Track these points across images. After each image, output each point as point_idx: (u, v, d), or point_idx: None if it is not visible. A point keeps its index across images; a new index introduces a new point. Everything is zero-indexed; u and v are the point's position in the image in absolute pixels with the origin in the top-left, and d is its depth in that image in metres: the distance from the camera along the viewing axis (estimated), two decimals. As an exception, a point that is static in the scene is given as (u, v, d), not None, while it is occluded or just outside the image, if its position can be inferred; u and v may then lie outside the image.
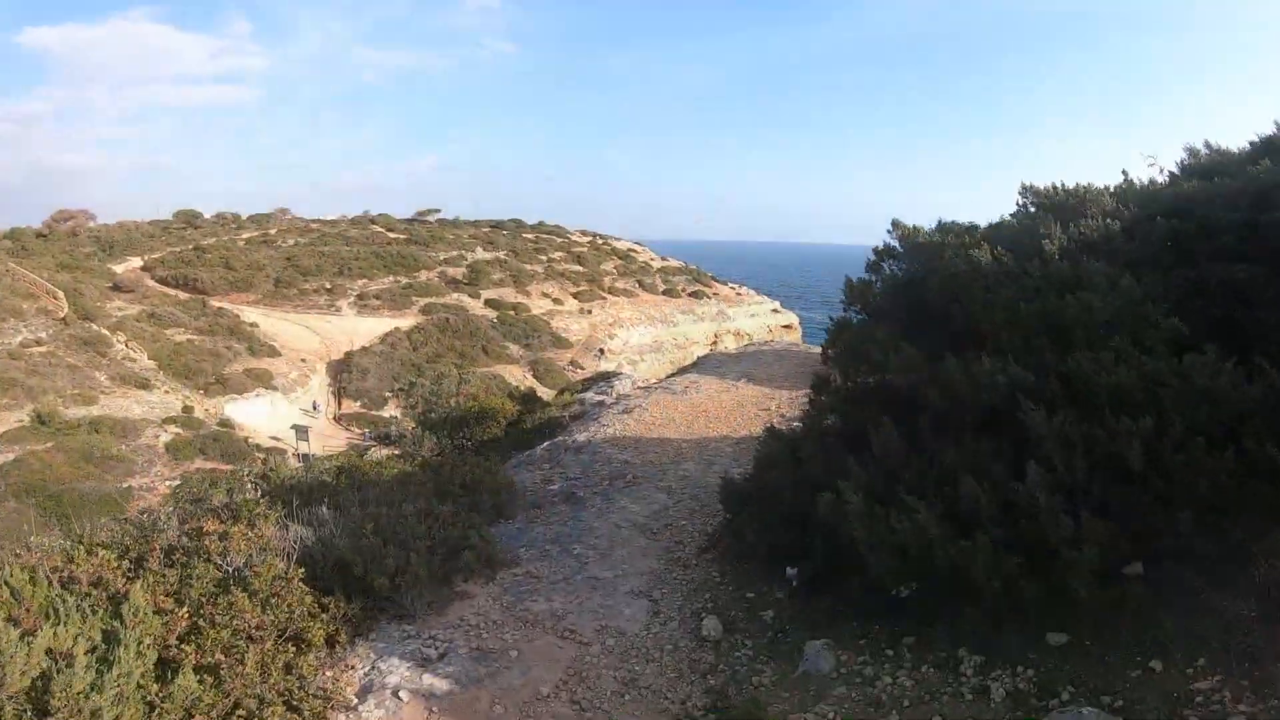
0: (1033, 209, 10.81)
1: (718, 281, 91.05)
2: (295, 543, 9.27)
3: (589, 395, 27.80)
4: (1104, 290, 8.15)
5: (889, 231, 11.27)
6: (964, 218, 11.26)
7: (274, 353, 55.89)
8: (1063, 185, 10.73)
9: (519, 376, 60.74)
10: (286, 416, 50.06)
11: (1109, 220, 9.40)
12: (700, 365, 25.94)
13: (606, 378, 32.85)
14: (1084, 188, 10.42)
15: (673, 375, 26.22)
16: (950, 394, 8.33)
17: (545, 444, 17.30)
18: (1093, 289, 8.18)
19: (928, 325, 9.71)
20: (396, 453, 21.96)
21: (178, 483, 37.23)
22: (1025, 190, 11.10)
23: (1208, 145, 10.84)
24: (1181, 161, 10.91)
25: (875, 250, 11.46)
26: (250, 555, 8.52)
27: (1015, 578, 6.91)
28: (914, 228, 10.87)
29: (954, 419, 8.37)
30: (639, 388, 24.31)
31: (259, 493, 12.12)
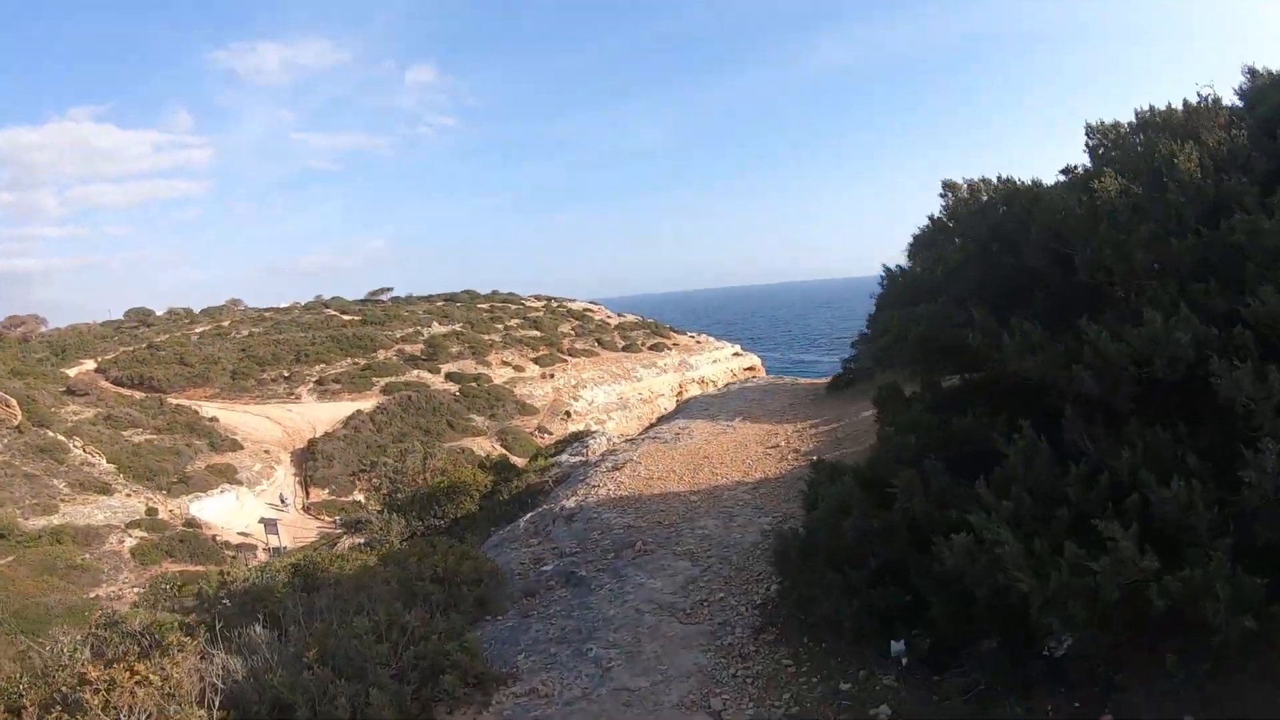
0: (1109, 152, 8.27)
1: (676, 332, 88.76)
2: (220, 678, 6.55)
3: (564, 458, 25.09)
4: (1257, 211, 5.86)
5: (941, 195, 8.73)
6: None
7: (236, 446, 52.96)
8: (1150, 108, 8.23)
9: (487, 448, 58.20)
10: (253, 511, 47.29)
11: (1235, 132, 7.00)
12: (684, 410, 23.69)
13: (580, 438, 29.68)
14: (1187, 103, 7.92)
15: (657, 425, 23.48)
16: (1106, 373, 5.82)
17: (528, 516, 14.29)
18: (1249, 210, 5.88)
19: (1018, 295, 7.32)
20: (363, 540, 19.63)
21: (145, 590, 34.99)
22: (1092, 131, 8.37)
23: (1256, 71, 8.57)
24: (1240, 86, 8.61)
25: (924, 228, 9.10)
26: (152, 712, 5.84)
27: (1264, 604, 4.57)
28: (979, 180, 8.38)
29: (1107, 406, 5.94)
30: (625, 441, 21.30)
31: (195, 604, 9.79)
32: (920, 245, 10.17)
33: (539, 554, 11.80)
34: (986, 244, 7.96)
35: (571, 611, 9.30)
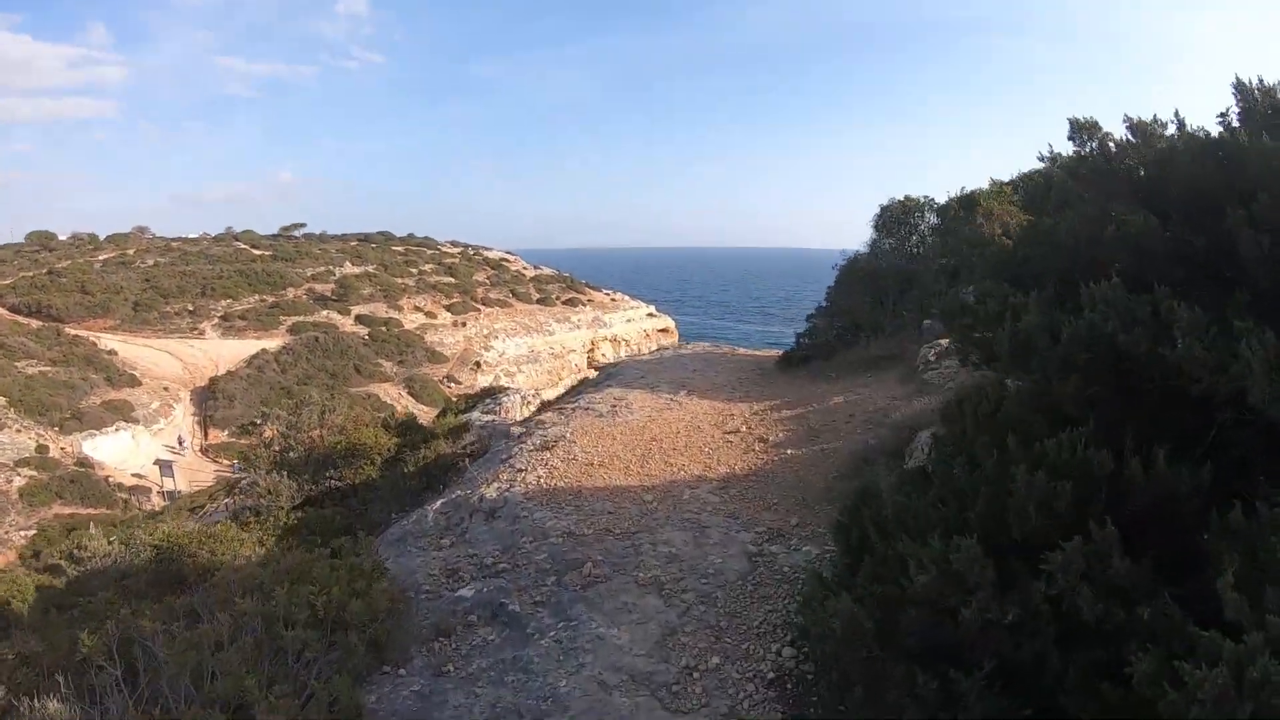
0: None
1: (591, 288, 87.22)
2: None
3: (475, 415, 23.27)
4: None
5: (1072, 138, 6.19)
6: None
7: (134, 382, 50.45)
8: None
9: (394, 395, 56.80)
10: (150, 451, 45.72)
11: None
12: (615, 377, 20.65)
13: (492, 394, 28.36)
14: None
15: (585, 391, 20.41)
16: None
17: (439, 504, 11.40)
18: None
19: (1211, 287, 5.03)
20: (249, 505, 17.40)
21: (34, 532, 33.81)
22: (1241, 88, 6.07)
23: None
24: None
25: (1047, 171, 6.56)
26: None
27: None
28: (1149, 121, 5.93)
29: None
30: (552, 411, 17.60)
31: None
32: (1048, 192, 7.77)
33: (453, 563, 9.24)
34: (1169, 210, 5.46)
35: (504, 675, 6.62)
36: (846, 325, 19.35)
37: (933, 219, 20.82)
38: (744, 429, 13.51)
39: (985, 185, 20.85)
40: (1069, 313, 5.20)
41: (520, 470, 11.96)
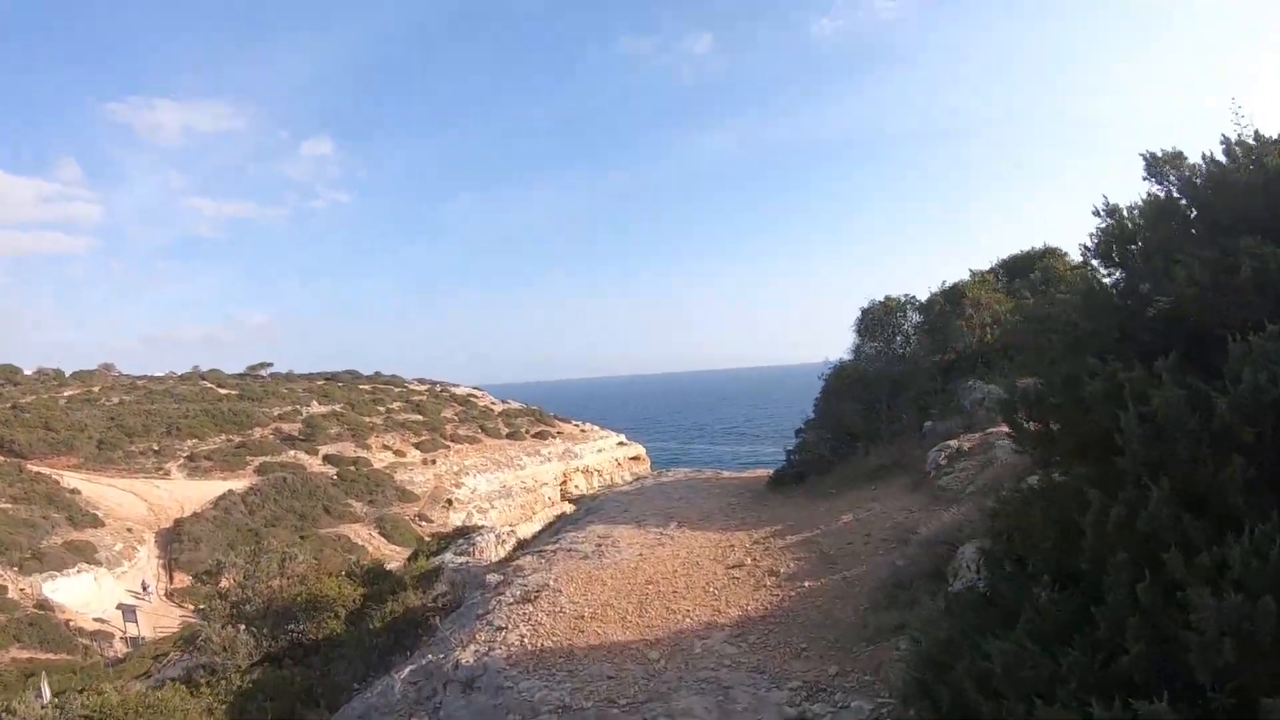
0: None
1: (560, 420, 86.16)
2: None
3: (448, 558, 22.48)
4: None
5: (1150, 176, 5.22)
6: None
7: (97, 522, 48.50)
8: None
9: (365, 535, 55.32)
10: (112, 594, 43.53)
11: None
12: (596, 512, 18.64)
13: (465, 534, 26.93)
14: None
15: (565, 529, 18.43)
16: None
17: (408, 670, 9.75)
18: None
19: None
20: (203, 662, 15.84)
21: None
22: None
23: None
24: None
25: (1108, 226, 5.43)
26: None
27: None
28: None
29: None
30: (529, 554, 15.52)
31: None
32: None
33: (424, 758, 7.83)
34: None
35: None
36: (840, 436, 18.15)
37: (915, 317, 19.83)
38: (749, 561, 11.98)
39: (966, 277, 20.32)
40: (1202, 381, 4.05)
41: (500, 629, 10.26)
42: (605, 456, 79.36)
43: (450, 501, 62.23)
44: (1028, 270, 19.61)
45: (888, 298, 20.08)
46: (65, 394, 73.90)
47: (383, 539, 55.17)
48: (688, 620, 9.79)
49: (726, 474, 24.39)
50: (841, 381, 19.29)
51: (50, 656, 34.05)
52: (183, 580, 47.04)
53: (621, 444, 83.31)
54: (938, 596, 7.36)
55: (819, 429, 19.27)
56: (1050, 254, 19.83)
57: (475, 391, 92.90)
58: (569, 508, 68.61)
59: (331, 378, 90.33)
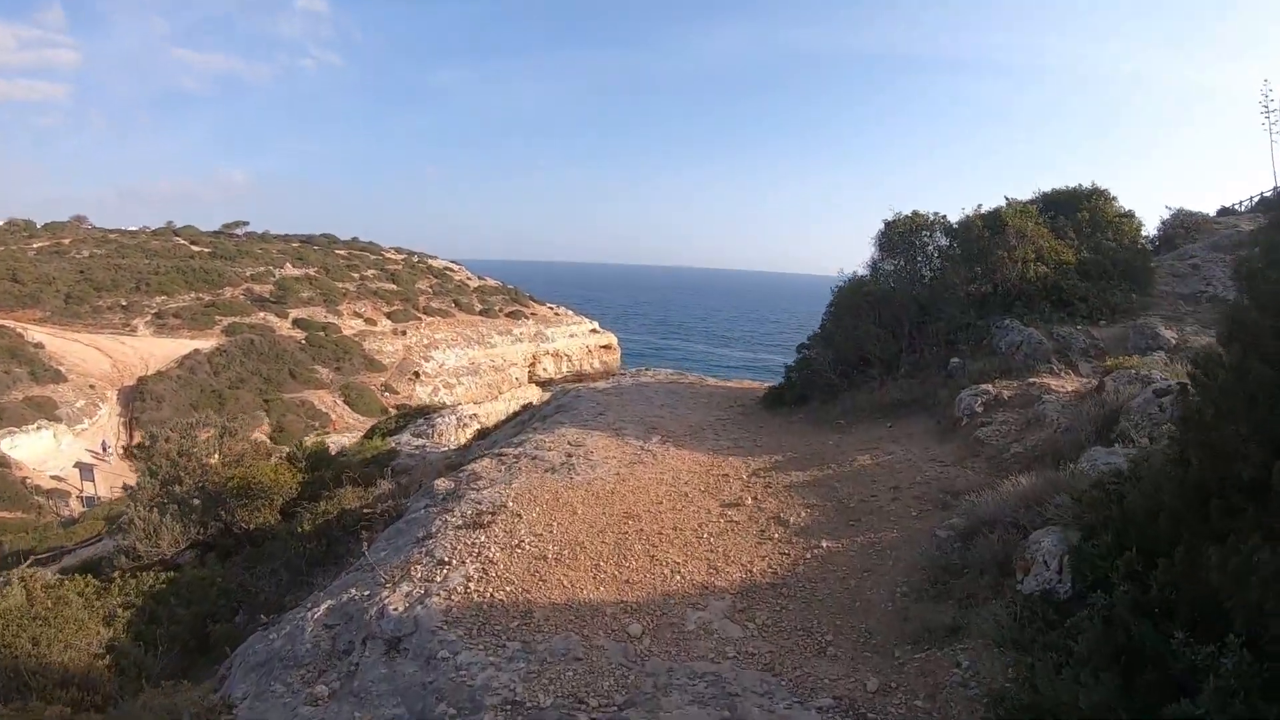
0: None
1: (535, 302, 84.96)
2: None
3: (405, 439, 21.91)
4: None
5: None
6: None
7: (59, 378, 47.86)
8: None
9: (329, 402, 54.92)
10: (71, 452, 43.32)
11: None
12: (569, 410, 16.11)
13: (426, 413, 26.71)
14: None
15: (530, 423, 16.39)
16: None
17: (325, 607, 7.67)
18: None
19: None
20: (126, 545, 14.45)
21: None
22: None
23: None
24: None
25: None
26: None
27: None
28: None
29: None
30: (488, 457, 12.69)
31: None
32: None
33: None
34: None
35: None
36: (850, 359, 15.94)
37: (941, 240, 17.46)
38: (749, 501, 9.97)
39: (1001, 204, 17.44)
40: None
41: (442, 562, 8.22)
42: (576, 343, 78.80)
43: (417, 374, 61.69)
44: (1072, 208, 17.34)
45: (915, 212, 17.91)
46: (35, 246, 72.25)
47: (347, 407, 54.71)
48: (677, 578, 7.89)
49: (712, 381, 21.85)
50: (858, 297, 16.64)
51: (4, 514, 33.80)
52: (142, 438, 45.88)
53: (594, 331, 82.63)
54: (1002, 597, 6.23)
55: (825, 348, 16.80)
56: (1098, 195, 17.69)
57: (452, 265, 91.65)
58: (536, 391, 68.68)
59: (307, 240, 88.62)
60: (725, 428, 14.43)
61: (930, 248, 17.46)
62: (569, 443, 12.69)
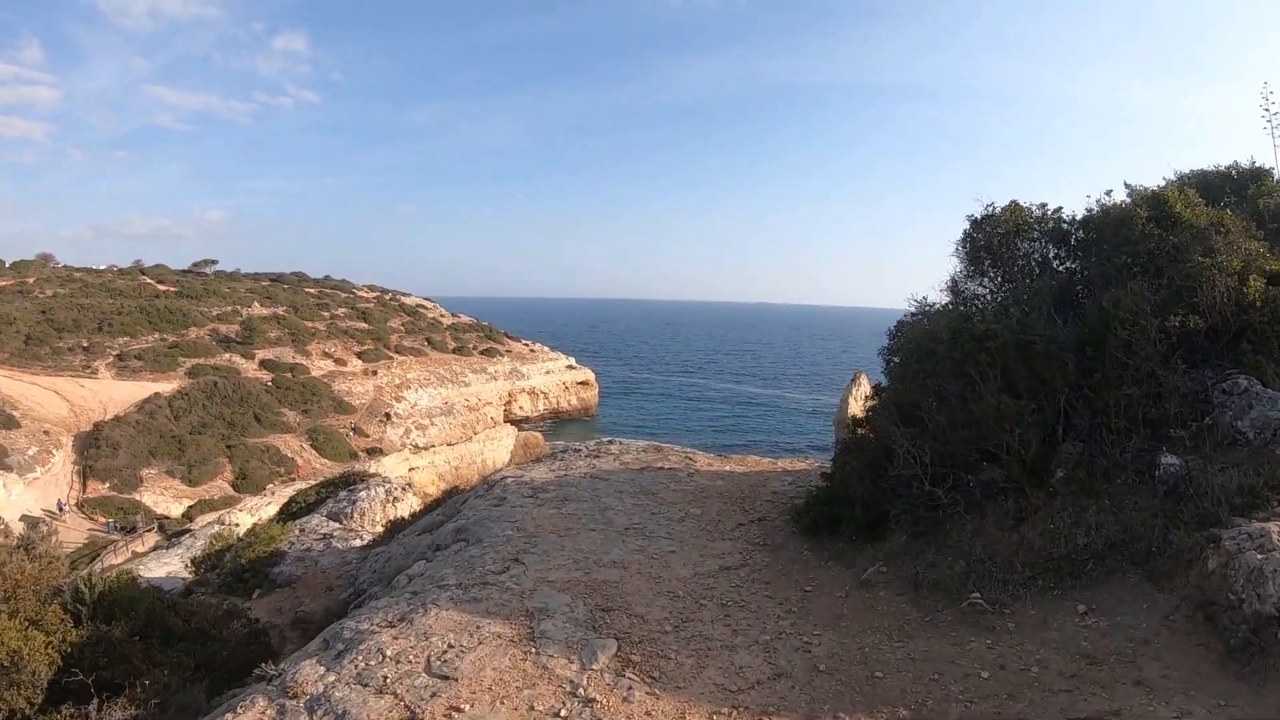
0: None
1: (510, 338, 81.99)
2: None
3: (313, 524, 18.16)
4: None
5: None
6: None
7: (12, 423, 44.50)
8: None
9: (296, 447, 51.49)
10: (21, 503, 39.78)
11: None
12: (467, 536, 10.40)
13: (351, 484, 22.02)
14: None
15: (465, 521, 11.44)
16: None
17: None
18: None
19: None
20: None
21: None
22: None
23: None
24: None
25: None
26: None
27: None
28: None
29: None
30: (336, 640, 6.94)
31: None
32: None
33: None
34: None
35: None
36: (960, 453, 8.77)
37: (1049, 249, 11.31)
38: None
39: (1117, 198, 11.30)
40: None
41: None
42: (553, 379, 76.66)
43: (389, 415, 59.20)
44: (1239, 189, 11.72)
45: (1015, 204, 11.52)
46: (-1, 285, 67.65)
47: (314, 452, 51.92)
48: None
49: (702, 461, 15.66)
50: (961, 345, 8.89)
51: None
52: (98, 489, 43.60)
53: (571, 367, 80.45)
54: None
55: (901, 428, 9.14)
56: (1261, 174, 11.92)
57: (425, 302, 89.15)
58: (511, 431, 66.87)
59: (277, 279, 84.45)
60: (744, 600, 7.98)
61: (1035, 255, 11.36)
62: (425, 669, 6.22)
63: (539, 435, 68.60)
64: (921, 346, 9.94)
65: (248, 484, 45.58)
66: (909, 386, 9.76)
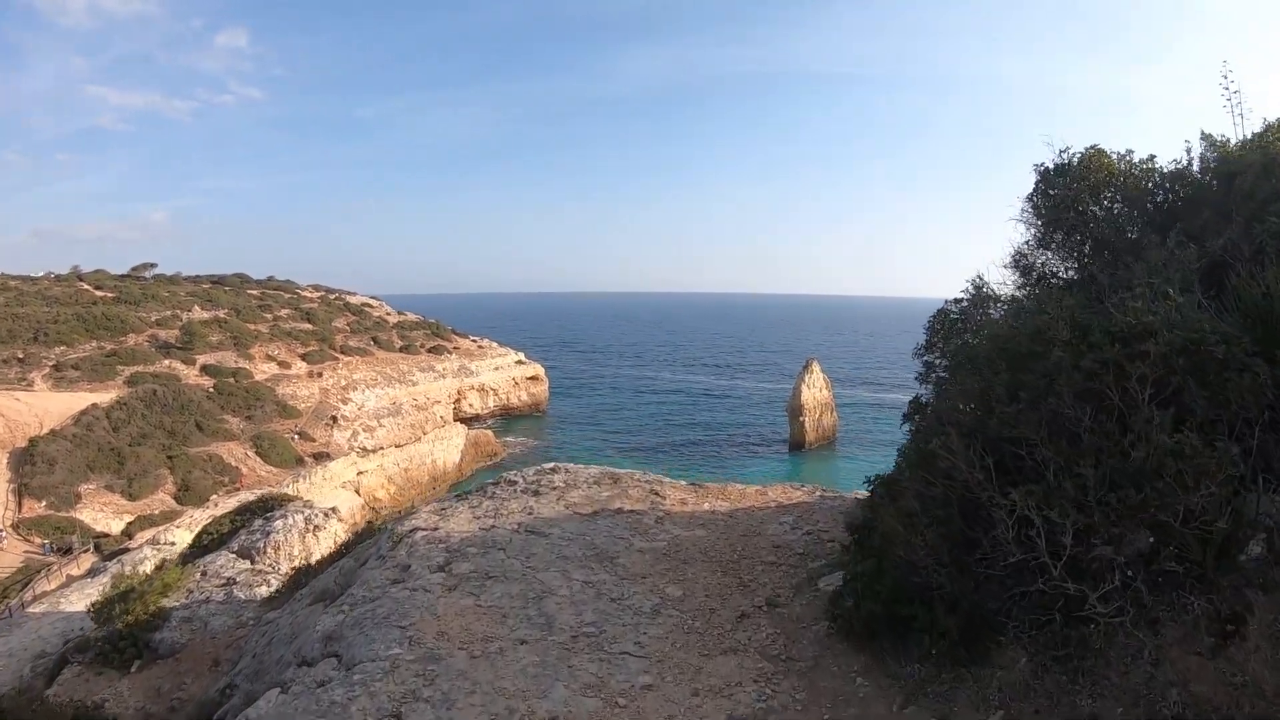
0: None
1: (458, 335, 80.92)
2: None
3: (219, 564, 16.74)
4: None
5: None
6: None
7: None
8: None
9: (240, 455, 49.95)
10: None
11: None
12: (338, 643, 7.85)
13: (268, 509, 20.68)
14: None
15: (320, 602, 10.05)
16: None
17: None
18: None
19: None
20: None
21: None
22: None
23: None
24: None
25: None
26: None
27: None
28: None
29: None
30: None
31: None
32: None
33: None
34: None
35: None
36: (1100, 518, 5.05)
37: (1120, 205, 8.85)
38: None
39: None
40: None
41: None
42: (502, 375, 75.81)
43: (335, 418, 58.00)
44: None
45: (1099, 150, 8.87)
46: (-71, 297, 65.70)
47: (259, 459, 50.43)
48: None
49: (671, 500, 12.54)
50: (1095, 349, 5.73)
51: None
52: (34, 508, 41.81)
53: (520, 363, 79.64)
54: None
55: (982, 480, 5.72)
56: None
57: (371, 301, 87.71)
58: (461, 430, 66.09)
59: (218, 281, 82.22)
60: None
61: (1100, 210, 8.74)
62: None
63: (489, 433, 68.30)
64: (1014, 348, 6.57)
65: (190, 496, 44.39)
66: (1001, 413, 6.07)
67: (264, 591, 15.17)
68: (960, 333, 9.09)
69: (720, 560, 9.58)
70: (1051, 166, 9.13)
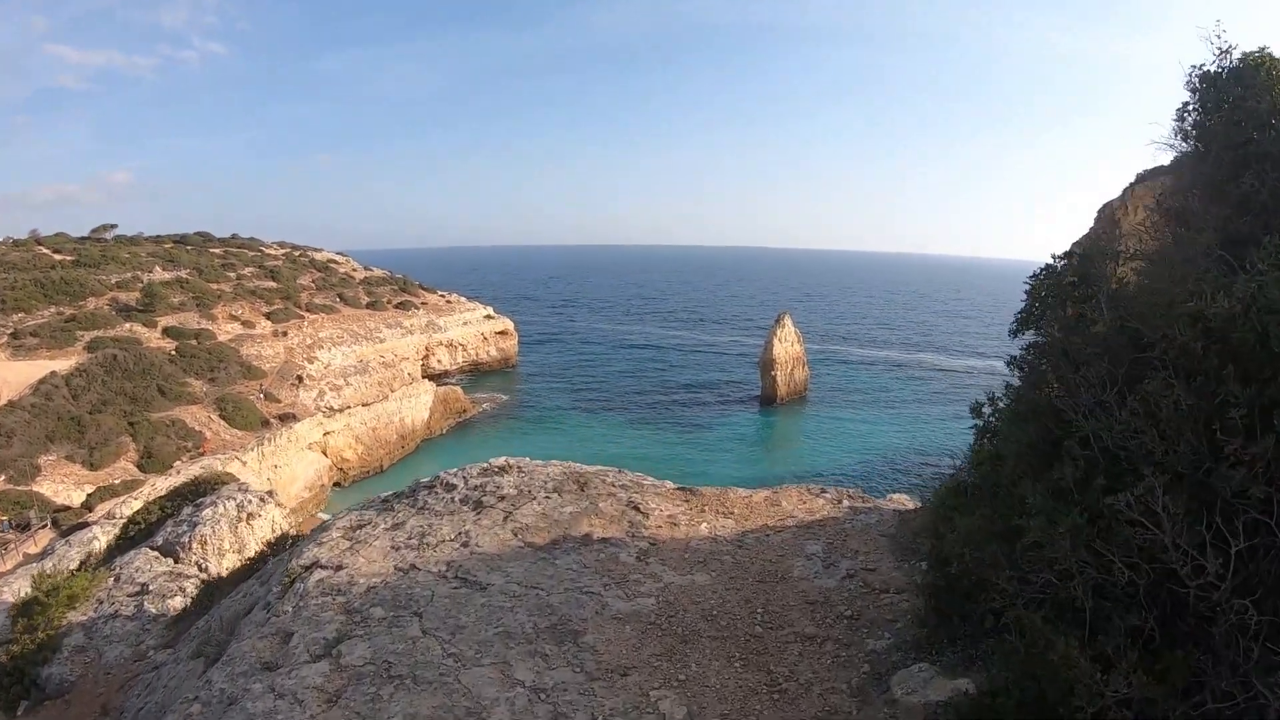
0: None
1: (426, 290, 79.43)
2: None
3: (133, 568, 15.43)
4: None
5: None
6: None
7: None
8: None
9: (204, 419, 48.37)
10: None
11: None
12: (282, 672, 7.13)
13: (199, 495, 18.96)
14: None
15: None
16: None
17: None
18: None
19: None
20: None
21: None
22: None
23: None
24: None
25: None
26: None
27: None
28: None
29: None
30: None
31: None
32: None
33: None
34: None
35: None
36: None
37: None
38: None
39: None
40: None
41: None
42: (471, 330, 74.95)
43: (300, 378, 56.91)
44: None
45: (1269, 55, 7.21)
46: (-119, 266, 64.54)
47: (223, 422, 49.46)
48: None
49: (659, 511, 10.51)
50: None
51: None
52: None
53: (489, 318, 78.70)
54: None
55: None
56: None
57: (337, 257, 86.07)
58: (429, 387, 65.37)
59: (180, 240, 79.97)
60: None
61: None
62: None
63: (458, 390, 67.74)
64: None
65: (153, 463, 43.49)
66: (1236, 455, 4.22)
67: (177, 604, 13.97)
68: (1080, 301, 6.50)
69: (736, 634, 6.99)
70: (1221, 71, 6.96)
